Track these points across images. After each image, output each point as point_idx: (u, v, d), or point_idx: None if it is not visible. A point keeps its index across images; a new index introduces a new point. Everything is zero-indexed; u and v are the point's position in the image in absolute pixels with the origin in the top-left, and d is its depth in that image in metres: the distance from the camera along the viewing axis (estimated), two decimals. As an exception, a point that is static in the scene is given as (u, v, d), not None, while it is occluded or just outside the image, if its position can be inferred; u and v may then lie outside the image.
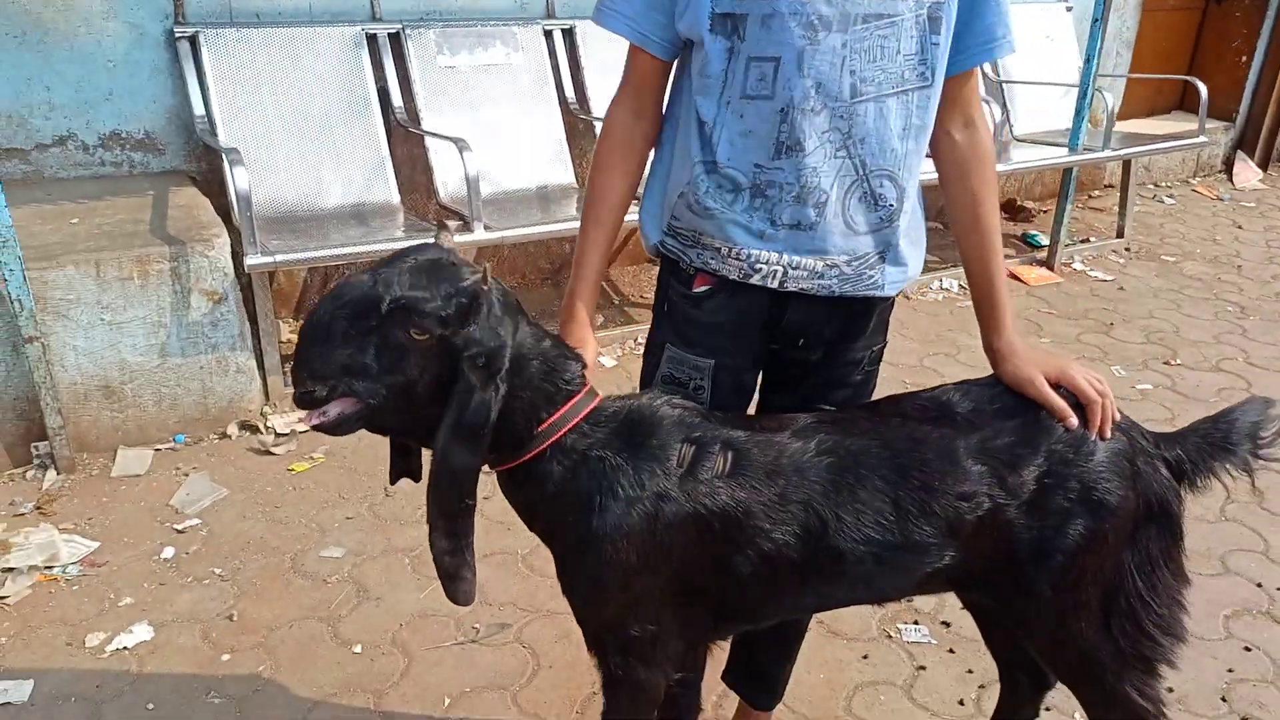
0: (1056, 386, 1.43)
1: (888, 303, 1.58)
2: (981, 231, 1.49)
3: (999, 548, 1.41)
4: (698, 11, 1.37)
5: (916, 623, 2.44)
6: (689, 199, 1.47)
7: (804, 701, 2.19)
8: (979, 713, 2.16)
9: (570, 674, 2.24)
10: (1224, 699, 2.23)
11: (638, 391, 1.48)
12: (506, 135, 3.89)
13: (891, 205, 1.44)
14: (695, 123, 1.44)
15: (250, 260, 3.00)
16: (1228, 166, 6.99)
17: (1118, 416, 1.44)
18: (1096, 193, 6.45)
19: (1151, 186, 6.67)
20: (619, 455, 1.32)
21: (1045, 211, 5.82)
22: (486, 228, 3.35)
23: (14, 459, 2.96)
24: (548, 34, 4.06)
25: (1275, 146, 7.06)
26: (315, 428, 1.24)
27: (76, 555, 2.60)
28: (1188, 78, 5.20)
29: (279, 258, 3.06)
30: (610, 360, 3.83)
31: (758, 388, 1.66)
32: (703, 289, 1.51)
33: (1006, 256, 5.00)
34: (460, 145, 3.30)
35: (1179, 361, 3.99)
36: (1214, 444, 1.47)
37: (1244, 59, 6.73)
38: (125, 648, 2.29)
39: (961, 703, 2.20)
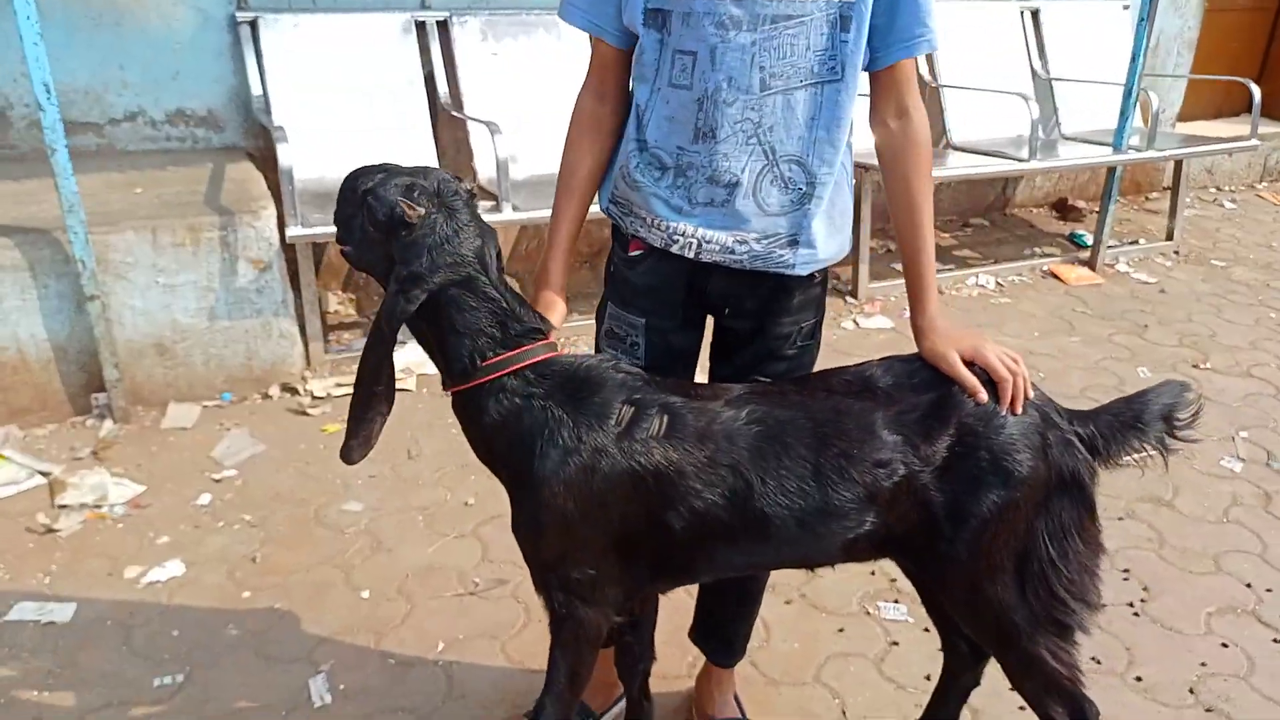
0: (971, 364, 1.51)
1: (812, 282, 1.68)
2: (911, 214, 1.59)
3: (916, 513, 1.50)
4: (634, 7, 1.53)
5: (897, 601, 2.53)
6: (624, 172, 1.63)
7: (775, 668, 2.30)
8: (943, 688, 2.25)
9: (558, 628, 2.39)
10: (1192, 691, 2.28)
11: (592, 353, 1.62)
12: (548, 121, 4.01)
13: (801, 189, 1.56)
14: (635, 106, 1.59)
15: (291, 231, 3.21)
16: (1298, 171, 6.82)
17: (1031, 393, 1.51)
18: (1155, 195, 6.35)
19: (1214, 190, 6.54)
20: (562, 408, 1.46)
21: (1097, 212, 5.77)
22: (515, 208, 3.51)
23: (76, 408, 3.22)
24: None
25: (1349, 152, 6.84)
26: (341, 253, 1.57)
27: (124, 497, 2.84)
28: (1241, 79, 5.11)
29: (318, 230, 3.26)
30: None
31: (706, 358, 1.78)
32: (636, 253, 1.67)
33: (1052, 255, 5.05)
34: (492, 129, 3.46)
35: (1208, 366, 3.97)
36: (1125, 423, 1.54)
37: (1317, 62, 6.55)
38: (158, 581, 2.51)
39: (928, 678, 2.26)
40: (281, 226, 3.30)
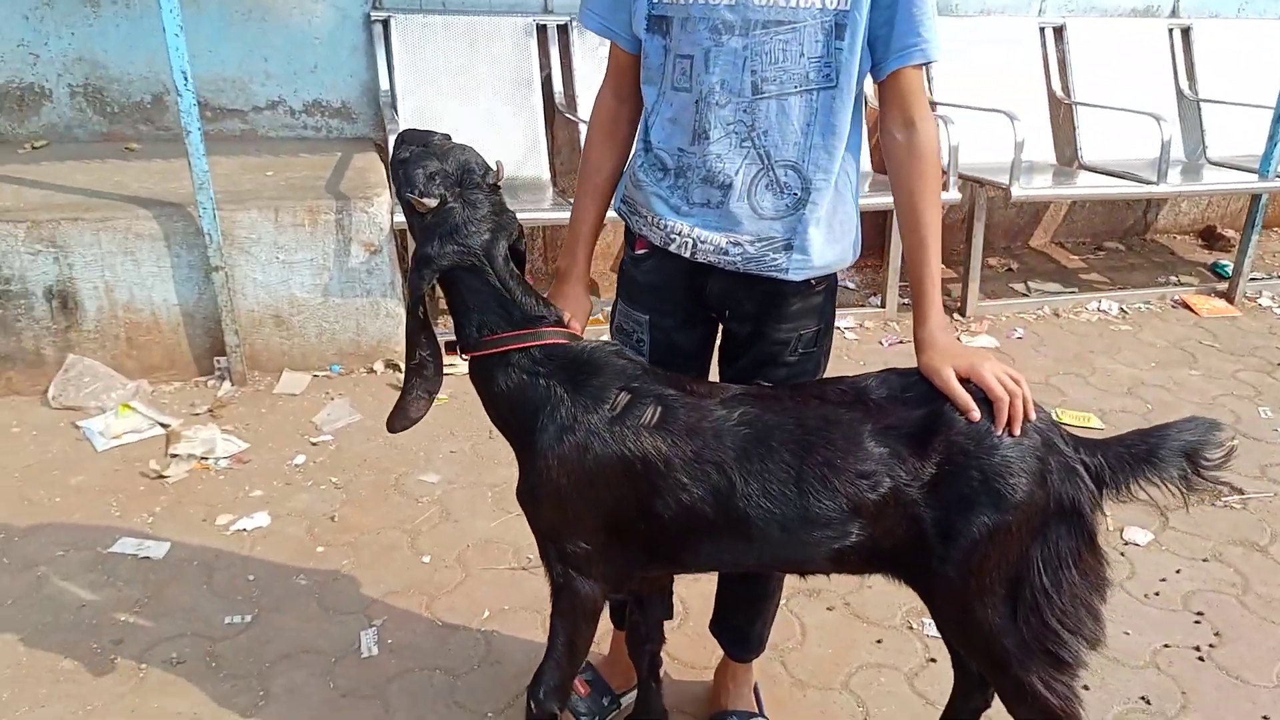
0: (969, 382, 1.49)
1: (812, 290, 1.69)
2: (915, 225, 1.58)
3: (904, 528, 1.49)
4: (639, 13, 1.60)
5: (943, 619, 2.49)
6: (632, 172, 1.70)
7: (805, 670, 2.31)
8: (974, 710, 2.21)
9: (598, 609, 2.47)
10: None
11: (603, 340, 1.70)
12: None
13: (796, 194, 1.58)
14: (644, 108, 1.65)
15: (397, 217, 3.41)
16: None
17: (1032, 415, 1.48)
18: (1320, 228, 5.91)
19: (1392, 226, 6.03)
20: (562, 386, 1.54)
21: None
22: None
23: (200, 369, 3.53)
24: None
25: None
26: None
27: (229, 451, 3.10)
28: None
29: (424, 218, 3.45)
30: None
31: (714, 360, 1.84)
32: (641, 252, 1.73)
33: (1189, 285, 4.78)
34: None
35: (1341, 411, 3.69)
36: (1138, 456, 1.48)
37: None
38: (245, 530, 2.74)
39: (961, 698, 2.25)
40: (393, 213, 3.51)
